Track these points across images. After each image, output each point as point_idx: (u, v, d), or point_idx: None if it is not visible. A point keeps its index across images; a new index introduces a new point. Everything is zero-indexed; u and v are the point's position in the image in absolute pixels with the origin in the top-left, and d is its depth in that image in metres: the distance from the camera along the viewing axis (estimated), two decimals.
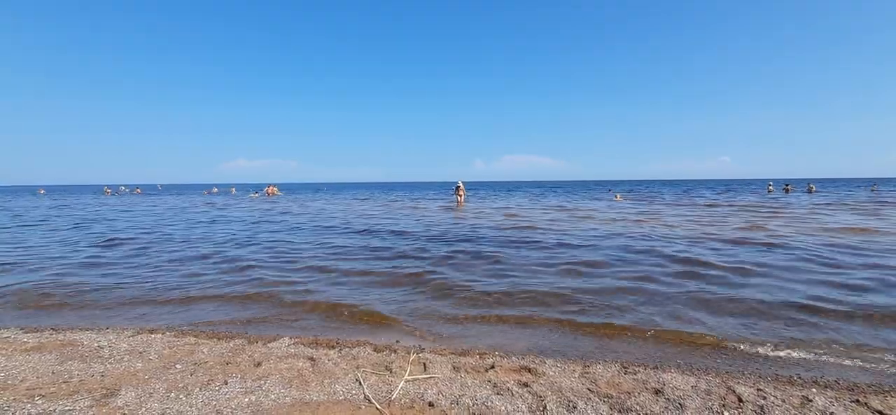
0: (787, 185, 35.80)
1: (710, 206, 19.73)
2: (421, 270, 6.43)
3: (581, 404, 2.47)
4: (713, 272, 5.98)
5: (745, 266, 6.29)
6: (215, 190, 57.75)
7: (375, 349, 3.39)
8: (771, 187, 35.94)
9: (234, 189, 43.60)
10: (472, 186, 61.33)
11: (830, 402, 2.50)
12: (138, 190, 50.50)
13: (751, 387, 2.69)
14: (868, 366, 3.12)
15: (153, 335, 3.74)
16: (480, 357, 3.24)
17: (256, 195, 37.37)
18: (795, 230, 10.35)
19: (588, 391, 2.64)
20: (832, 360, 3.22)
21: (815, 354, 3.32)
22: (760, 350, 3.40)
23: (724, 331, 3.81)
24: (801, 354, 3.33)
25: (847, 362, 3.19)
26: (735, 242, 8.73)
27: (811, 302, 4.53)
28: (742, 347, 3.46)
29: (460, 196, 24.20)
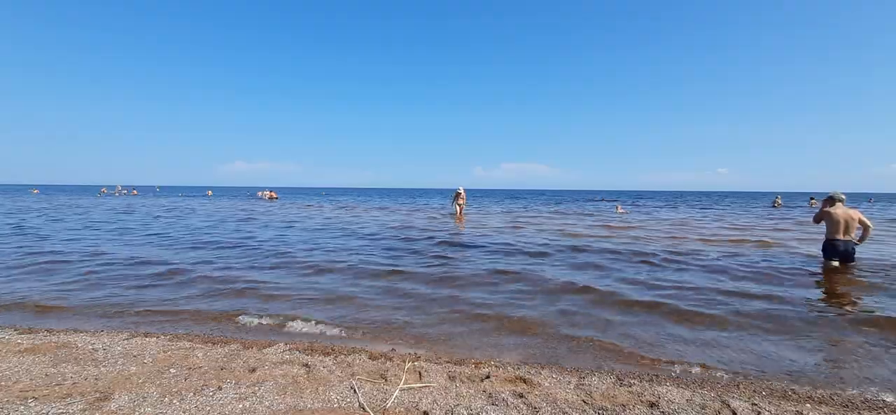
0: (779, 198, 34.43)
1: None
2: None
3: None
4: None
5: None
6: (209, 193, 57.94)
7: (371, 357, 3.38)
8: (778, 202, 33.12)
9: (259, 192, 45.18)
10: (475, 194, 60.84)
11: None
12: (134, 191, 50.03)
13: (746, 402, 2.69)
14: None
15: (148, 339, 3.73)
16: (476, 366, 3.24)
17: (268, 196, 38.61)
18: None
19: (583, 403, 2.64)
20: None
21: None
22: None
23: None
24: None
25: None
26: None
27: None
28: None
29: (460, 206, 19.87)
